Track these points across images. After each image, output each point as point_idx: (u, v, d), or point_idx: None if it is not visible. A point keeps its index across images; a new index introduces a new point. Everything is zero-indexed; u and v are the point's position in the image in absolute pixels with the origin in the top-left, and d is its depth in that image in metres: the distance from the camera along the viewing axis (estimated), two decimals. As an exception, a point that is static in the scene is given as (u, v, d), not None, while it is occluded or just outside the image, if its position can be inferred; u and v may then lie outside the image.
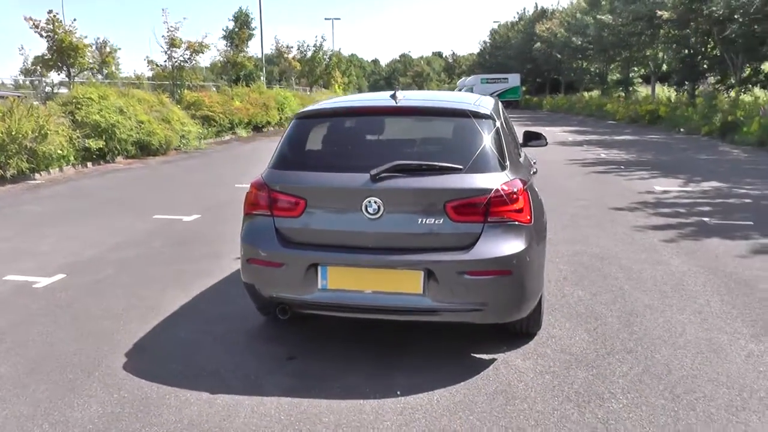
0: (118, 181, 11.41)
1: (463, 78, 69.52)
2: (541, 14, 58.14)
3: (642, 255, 5.79)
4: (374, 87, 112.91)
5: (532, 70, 57.64)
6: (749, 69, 22.78)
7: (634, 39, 33.47)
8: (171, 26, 18.59)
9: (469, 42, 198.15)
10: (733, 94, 20.92)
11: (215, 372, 3.49)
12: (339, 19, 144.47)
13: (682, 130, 20.61)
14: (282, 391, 3.25)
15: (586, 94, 47.89)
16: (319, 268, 3.32)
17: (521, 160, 4.05)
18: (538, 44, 50.82)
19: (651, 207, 8.12)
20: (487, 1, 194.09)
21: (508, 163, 3.46)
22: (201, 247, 6.29)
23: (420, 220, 3.26)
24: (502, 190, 3.27)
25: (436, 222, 3.24)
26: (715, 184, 9.89)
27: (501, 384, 3.32)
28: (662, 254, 5.81)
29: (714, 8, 17.71)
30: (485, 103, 3.85)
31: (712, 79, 26.76)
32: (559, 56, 47.86)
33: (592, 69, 48.61)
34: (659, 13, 24.84)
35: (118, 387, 3.35)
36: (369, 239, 3.31)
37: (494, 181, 3.31)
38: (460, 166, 3.32)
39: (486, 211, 3.25)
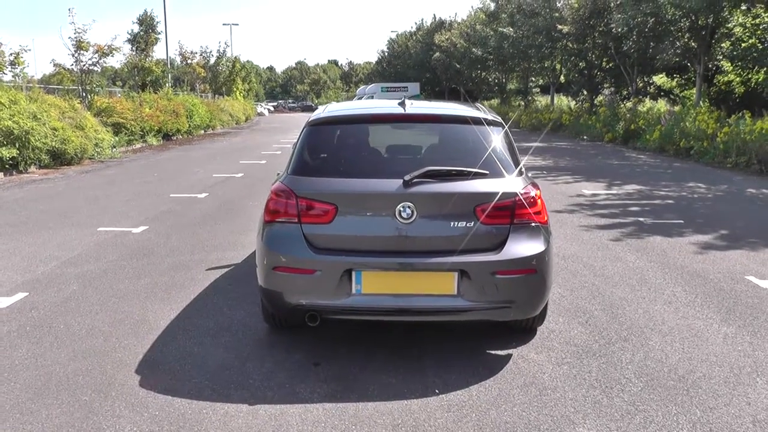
0: (42, 192, 10.61)
1: (363, 86, 70.46)
2: (440, 25, 60.01)
3: (598, 253, 6.23)
4: (270, 95, 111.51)
5: (431, 79, 59.32)
6: (642, 81, 24.79)
7: (533, 51, 35.48)
8: (78, 28, 17.54)
9: (365, 50, 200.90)
10: (629, 104, 22.67)
11: (244, 383, 3.42)
12: (237, 24, 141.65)
13: (585, 137, 22.09)
14: (322, 397, 3.25)
15: (485, 102, 50.08)
16: (354, 273, 3.35)
17: None
18: (438, 54, 52.38)
19: (588, 209, 8.70)
20: (383, 10, 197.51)
21: (522, 168, 3.67)
22: (163, 260, 6.04)
23: (452, 223, 3.38)
24: (526, 193, 3.47)
25: (467, 225, 3.38)
26: (635, 186, 10.74)
27: (527, 377, 3.50)
28: (616, 252, 6.28)
29: (613, 25, 19.16)
30: (491, 112, 4.05)
31: (606, 90, 28.91)
32: (458, 66, 49.56)
33: (490, 79, 50.80)
34: (559, 27, 26.53)
35: (143, 405, 3.20)
36: (402, 243, 3.39)
37: (517, 185, 3.51)
38: (486, 171, 3.48)
39: (512, 213, 3.43)
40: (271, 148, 19.90)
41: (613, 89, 28.80)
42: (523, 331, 4.08)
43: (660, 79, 25.78)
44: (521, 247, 3.43)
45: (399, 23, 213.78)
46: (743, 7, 15.49)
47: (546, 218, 3.59)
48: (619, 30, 18.86)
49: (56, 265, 5.84)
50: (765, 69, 17.59)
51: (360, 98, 61.86)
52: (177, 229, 7.44)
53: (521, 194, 3.46)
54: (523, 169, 3.69)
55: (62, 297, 4.95)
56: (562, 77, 38.02)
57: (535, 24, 31.70)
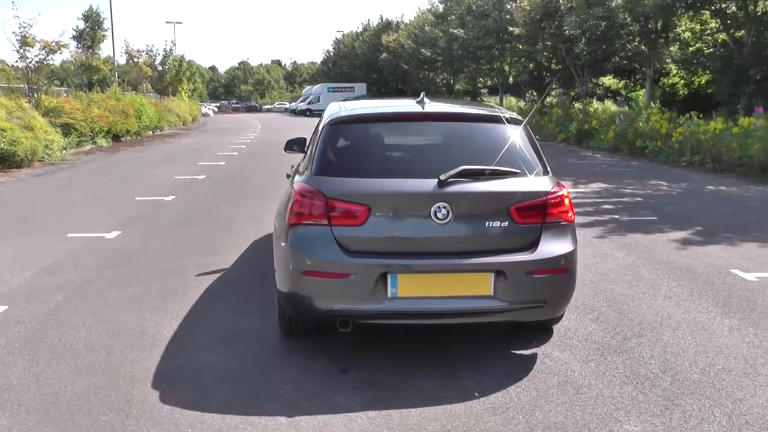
0: (-7, 197, 9.99)
1: (309, 86, 70.06)
2: (387, 26, 60.22)
3: (587, 250, 6.33)
4: (213, 95, 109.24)
5: (378, 79, 59.41)
6: (591, 83, 25.58)
7: (483, 52, 36.03)
8: (24, 22, 16.61)
9: (309, 51, 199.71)
10: (579, 105, 23.33)
11: (274, 394, 3.27)
12: (181, 23, 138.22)
13: (537, 137, 22.52)
14: (362, 405, 3.14)
15: (434, 103, 50.54)
16: (389, 276, 3.26)
17: None
18: (385, 55, 52.51)
19: (562, 206, 8.84)
20: (327, 11, 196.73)
21: (548, 167, 3.67)
22: (147, 266, 5.76)
23: (486, 223, 3.34)
24: (556, 192, 3.47)
25: (501, 224, 3.34)
26: (601, 185, 11.02)
27: (559, 376, 3.49)
28: (603, 249, 6.40)
29: (566, 28, 19.66)
30: (508, 110, 4.03)
31: (554, 92, 29.69)
32: (406, 67, 49.79)
33: (438, 79, 51.31)
34: (510, 29, 27.03)
35: (172, 423, 3.01)
36: (437, 244, 3.32)
37: (547, 184, 3.50)
38: (518, 170, 3.46)
39: (544, 212, 3.42)
40: (226, 149, 19.41)
41: (561, 90, 29.62)
42: (542, 330, 4.09)
43: (608, 80, 26.67)
44: (553, 246, 3.42)
45: (344, 23, 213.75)
46: (690, 13, 16.15)
47: (573, 217, 3.60)
48: (572, 33, 19.36)
49: (32, 275, 5.47)
50: (708, 72, 18.48)
51: (306, 98, 61.58)
52: (152, 234, 7.13)
53: (552, 193, 3.46)
54: (549, 168, 3.69)
55: (48, 309, 4.63)
56: (511, 78, 38.82)
57: (486, 25, 32.22)
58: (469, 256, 3.30)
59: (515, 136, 3.68)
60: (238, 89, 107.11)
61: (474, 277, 3.31)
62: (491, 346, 3.89)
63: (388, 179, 3.39)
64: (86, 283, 5.27)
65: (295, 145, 5.69)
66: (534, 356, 3.76)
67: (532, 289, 3.38)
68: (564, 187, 3.61)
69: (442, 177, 3.28)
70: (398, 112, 3.86)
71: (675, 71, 22.24)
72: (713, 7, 14.66)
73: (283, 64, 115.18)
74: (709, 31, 17.24)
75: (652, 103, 18.11)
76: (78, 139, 17.28)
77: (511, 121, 3.78)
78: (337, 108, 4.03)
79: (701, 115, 14.25)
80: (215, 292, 5.02)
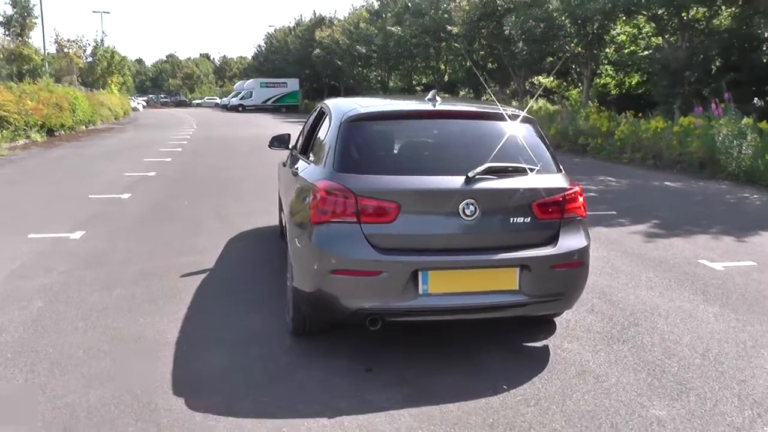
0: None
1: (241, 81, 68.68)
2: (320, 21, 59.74)
3: (561, 244, 6.55)
4: (141, 89, 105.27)
5: (311, 75, 58.88)
6: (528, 82, 26.38)
7: (419, 50, 36.45)
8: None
9: (239, 45, 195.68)
10: (515, 104, 24.00)
11: (306, 396, 3.22)
12: (109, 12, 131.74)
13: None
14: (399, 402, 3.15)
15: (369, 100, 50.66)
16: (420, 273, 3.27)
17: None
18: (318, 51, 52.09)
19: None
20: (257, 4, 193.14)
21: (560, 165, 3.79)
22: (124, 268, 5.52)
23: (511, 219, 3.41)
24: (571, 188, 3.59)
25: (525, 220, 3.43)
26: (554, 180, 11.39)
27: (576, 366, 3.62)
28: (575, 242, 6.65)
29: (506, 29, 20.19)
30: (516, 109, 4.13)
31: (491, 90, 30.41)
32: (339, 63, 49.57)
33: (371, 76, 51.40)
34: (449, 27, 27.48)
35: (210, 430, 2.91)
36: (465, 241, 3.37)
37: (562, 181, 3.62)
38: (538, 167, 3.55)
39: (562, 208, 3.53)
40: (167, 145, 18.76)
41: (498, 89, 30.38)
42: (545, 323, 4.22)
43: (543, 79, 27.55)
44: (571, 240, 3.54)
45: (276, 18, 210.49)
46: (626, 18, 16.95)
47: (585, 213, 3.73)
48: (511, 33, 19.91)
49: (2, 279, 5.13)
50: (641, 74, 19.48)
51: (238, 94, 60.30)
52: (119, 233, 6.82)
53: (569, 190, 3.58)
54: (561, 166, 3.81)
55: (31, 316, 4.36)
56: (446, 76, 39.48)
57: (423, 24, 32.60)
58: (496, 252, 3.37)
59: (529, 133, 3.78)
60: (166, 83, 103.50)
61: (501, 272, 3.38)
62: (503, 340, 3.99)
63: (417, 177, 3.41)
64: (64, 286, 4.99)
65: (280, 142, 5.68)
66: (546, 348, 3.88)
67: (552, 282, 3.49)
68: (577, 184, 3.74)
69: (471, 174, 3.33)
70: (418, 110, 3.87)
71: (607, 72, 23.28)
72: (650, 13, 15.44)
73: (211, 58, 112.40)
74: (643, 35, 18.20)
75: (590, 102, 18.90)
76: (12, 134, 16.22)
77: (524, 119, 3.87)
78: (351, 105, 4.00)
79: (640, 114, 15.00)
80: (207, 293, 4.88)
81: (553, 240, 3.50)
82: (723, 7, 14.69)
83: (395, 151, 3.72)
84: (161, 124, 32.71)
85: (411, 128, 3.79)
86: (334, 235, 3.34)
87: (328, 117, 4.17)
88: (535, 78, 26.56)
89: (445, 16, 29.61)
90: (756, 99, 13.38)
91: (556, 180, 3.59)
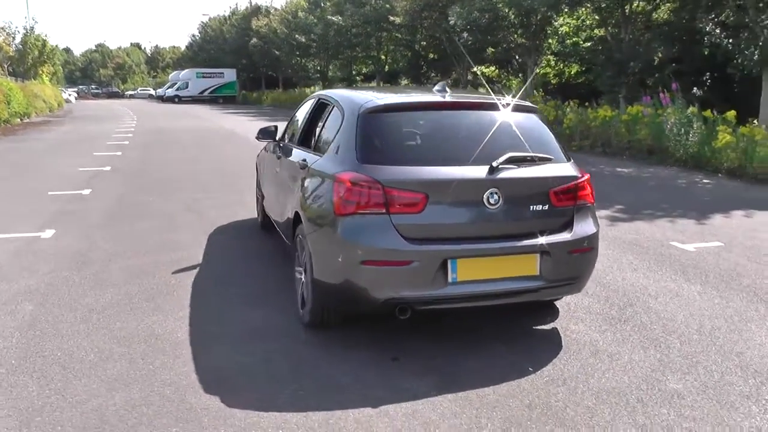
0: None
1: (177, 71, 66.68)
2: (256, 10, 58.56)
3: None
4: (70, 79, 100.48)
5: (248, 65, 57.75)
6: (471, 72, 26.81)
7: (360, 39, 36.35)
8: None
9: (171, 34, 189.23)
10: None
11: (342, 387, 3.24)
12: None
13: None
14: (435, 389, 3.22)
15: (308, 89, 50.23)
16: (449, 261, 3.34)
17: None
18: (255, 40, 51.09)
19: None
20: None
21: (568, 153, 3.93)
22: (110, 266, 5.33)
23: (531, 207, 3.53)
24: (581, 176, 3.74)
25: (543, 208, 3.56)
26: (514, 168, 11.70)
27: (589, 346, 3.79)
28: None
29: (451, 20, 20.44)
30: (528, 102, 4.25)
31: (434, 79, 30.76)
32: (277, 52, 48.79)
33: (310, 66, 50.83)
34: (392, 18, 27.56)
35: (259, 427, 2.88)
36: (489, 229, 3.47)
37: (573, 169, 3.77)
38: (552, 156, 3.68)
39: (575, 195, 3.68)
40: (112, 138, 18.05)
41: (439, 78, 30.71)
42: (548, 306, 4.38)
43: (485, 69, 28.09)
44: (584, 226, 3.70)
45: (209, 7, 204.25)
46: (568, 10, 17.49)
47: (594, 199, 3.90)
48: (457, 23, 20.16)
49: (-21, 284, 4.86)
50: (580, 64, 20.18)
51: (174, 84, 58.46)
52: (92, 231, 6.56)
53: (580, 177, 3.73)
54: (569, 154, 3.96)
55: (24, 320, 4.17)
56: (386, 66, 39.56)
57: (365, 13, 32.53)
58: (519, 239, 3.49)
59: (538, 123, 3.92)
60: (97, 74, 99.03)
61: (523, 259, 3.50)
62: (513, 325, 4.12)
63: (443, 167, 3.47)
64: (51, 288, 4.79)
65: (267, 134, 5.68)
66: (555, 331, 4.04)
67: (568, 267, 3.65)
68: (586, 173, 3.89)
69: (495, 164, 3.43)
70: (434, 101, 3.91)
71: (546, 62, 23.95)
72: (594, 5, 16.01)
73: (143, 47, 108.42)
74: (585, 27, 18.86)
75: (534, 91, 19.44)
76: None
77: (531, 110, 4.01)
78: (364, 96, 4.00)
79: (587, 104, 15.57)
80: (204, 290, 4.79)
81: (568, 226, 3.64)
82: (661, 2, 15.43)
83: (417, 142, 3.77)
84: (99, 117, 31.36)
85: (429, 119, 3.84)
86: (364, 226, 3.37)
87: (335, 109, 4.16)
88: (477, 68, 27.01)
89: (387, 6, 29.66)
90: (695, 89, 14.14)
91: (568, 168, 3.74)
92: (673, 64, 14.74)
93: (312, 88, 50.17)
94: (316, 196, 3.82)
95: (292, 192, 4.38)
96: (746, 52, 11.20)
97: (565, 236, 3.59)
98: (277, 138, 5.68)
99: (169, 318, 4.21)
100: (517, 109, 3.97)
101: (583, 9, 17.36)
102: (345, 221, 3.41)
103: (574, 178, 3.70)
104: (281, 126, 6.04)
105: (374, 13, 31.74)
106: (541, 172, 3.60)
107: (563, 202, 3.63)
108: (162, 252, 5.79)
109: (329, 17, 37.16)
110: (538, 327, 4.11)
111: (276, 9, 54.15)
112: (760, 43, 11.04)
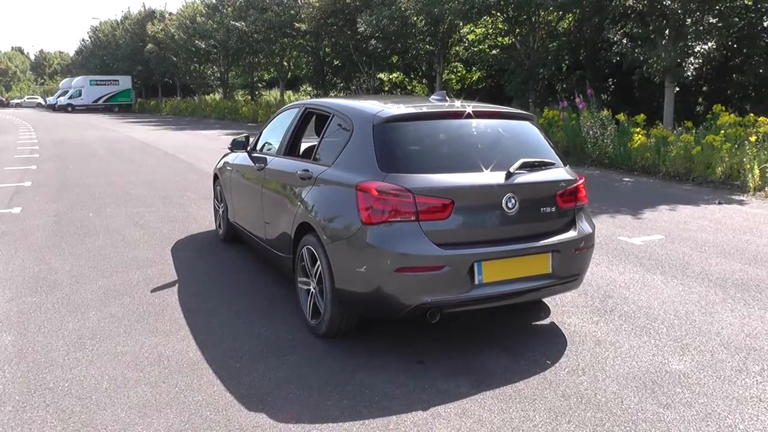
0: None
1: (68, 78, 62.57)
2: (150, 15, 56.10)
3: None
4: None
5: (143, 71, 55.23)
6: (377, 78, 27.28)
7: (263, 45, 35.76)
8: None
9: (58, 38, 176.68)
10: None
11: (383, 393, 3.30)
12: None
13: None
14: (472, 388, 3.35)
15: (207, 97, 48.84)
16: (475, 264, 3.49)
17: None
18: (150, 45, 49.02)
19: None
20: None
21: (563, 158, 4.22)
22: (78, 290, 5.01)
23: (541, 209, 3.77)
24: (579, 179, 4.04)
25: (551, 210, 3.81)
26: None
27: (589, 336, 4.08)
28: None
29: (362, 28, 20.72)
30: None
31: (340, 86, 30.97)
32: (174, 58, 47.12)
33: (209, 72, 49.43)
34: (297, 24, 27.43)
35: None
36: (508, 231, 3.66)
37: (570, 173, 4.05)
38: (554, 161, 3.95)
39: (575, 197, 3.96)
40: (18, 152, 16.66)
41: (343, 84, 30.98)
42: (539, 303, 4.64)
43: (391, 75, 28.68)
44: (584, 225, 4.00)
45: (99, 10, 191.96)
46: (477, 19, 18.28)
47: (587, 200, 4.21)
48: (367, 31, 20.47)
49: (-62, 316, 4.41)
50: (481, 70, 21.14)
51: (66, 92, 54.67)
52: (42, 252, 6.10)
53: (578, 180, 4.02)
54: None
55: (9, 352, 3.85)
56: (290, 73, 39.21)
57: (268, 19, 32.08)
58: (535, 240, 3.71)
59: (536, 130, 4.18)
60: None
61: (538, 258, 3.73)
62: (513, 322, 4.34)
63: (466, 174, 3.62)
64: (23, 315, 4.45)
65: (239, 145, 5.67)
66: (553, 325, 4.31)
67: (573, 264, 3.92)
68: (582, 176, 4.20)
69: (511, 169, 3.63)
70: (446, 111, 4.03)
71: (451, 69, 24.87)
72: (505, 15, 16.85)
73: (26, 52, 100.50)
74: (491, 35, 19.78)
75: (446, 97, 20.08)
76: None
77: (529, 117, 4.27)
78: (373, 106, 4.05)
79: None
80: (194, 308, 4.62)
81: (572, 225, 3.92)
82: (565, 13, 16.52)
83: (436, 151, 3.88)
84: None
85: (442, 128, 3.95)
86: (396, 234, 3.44)
87: (337, 118, 4.20)
88: (384, 74, 27.55)
89: (292, 12, 29.47)
90: (602, 94, 15.28)
91: (567, 172, 4.03)
92: (579, 71, 15.86)
93: (212, 96, 48.83)
94: (332, 206, 3.83)
95: (288, 203, 4.35)
96: (649, 61, 12.29)
97: (571, 235, 3.86)
98: (248, 149, 5.59)
99: (171, 338, 4.06)
100: (518, 117, 4.21)
101: (491, 18, 18.21)
102: (375, 230, 3.47)
103: (574, 180, 3.99)
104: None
105: (278, 19, 31.41)
106: (548, 177, 3.86)
107: (566, 203, 3.91)
108: (129, 270, 5.52)
109: (232, 23, 36.32)
110: (538, 323, 4.36)
111: (171, 14, 52.09)
112: (662, 54, 12.16)
